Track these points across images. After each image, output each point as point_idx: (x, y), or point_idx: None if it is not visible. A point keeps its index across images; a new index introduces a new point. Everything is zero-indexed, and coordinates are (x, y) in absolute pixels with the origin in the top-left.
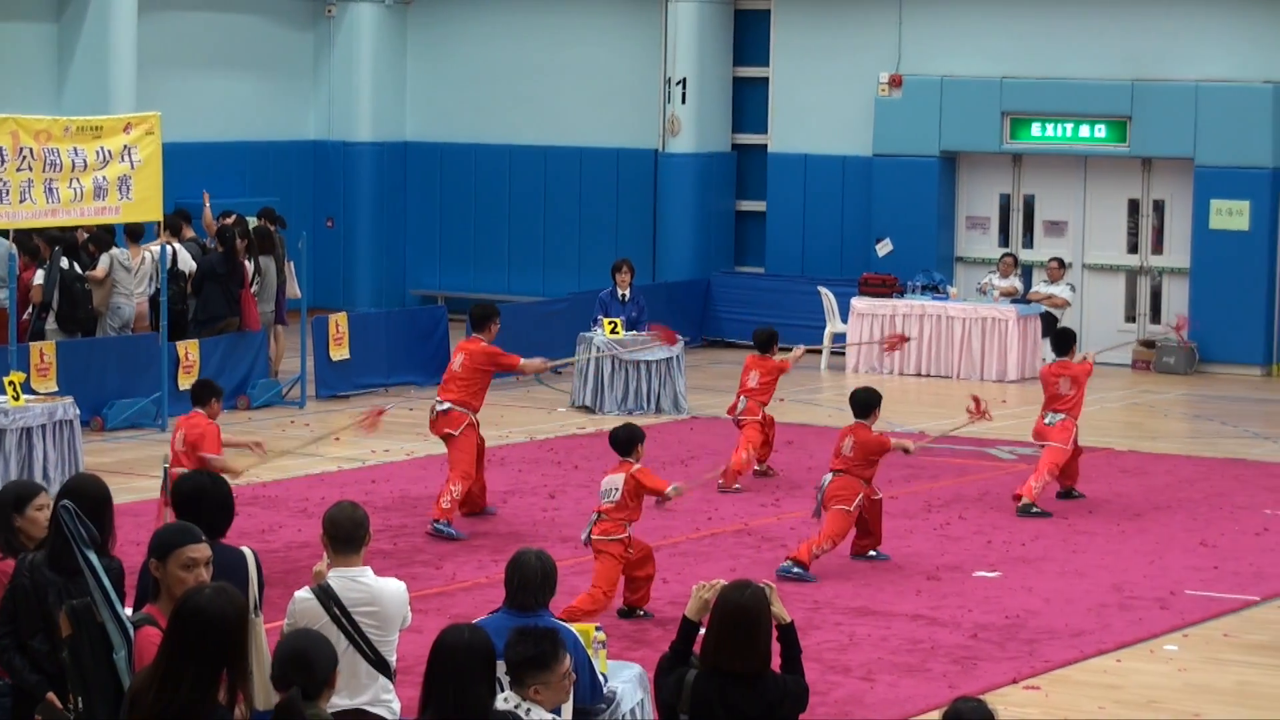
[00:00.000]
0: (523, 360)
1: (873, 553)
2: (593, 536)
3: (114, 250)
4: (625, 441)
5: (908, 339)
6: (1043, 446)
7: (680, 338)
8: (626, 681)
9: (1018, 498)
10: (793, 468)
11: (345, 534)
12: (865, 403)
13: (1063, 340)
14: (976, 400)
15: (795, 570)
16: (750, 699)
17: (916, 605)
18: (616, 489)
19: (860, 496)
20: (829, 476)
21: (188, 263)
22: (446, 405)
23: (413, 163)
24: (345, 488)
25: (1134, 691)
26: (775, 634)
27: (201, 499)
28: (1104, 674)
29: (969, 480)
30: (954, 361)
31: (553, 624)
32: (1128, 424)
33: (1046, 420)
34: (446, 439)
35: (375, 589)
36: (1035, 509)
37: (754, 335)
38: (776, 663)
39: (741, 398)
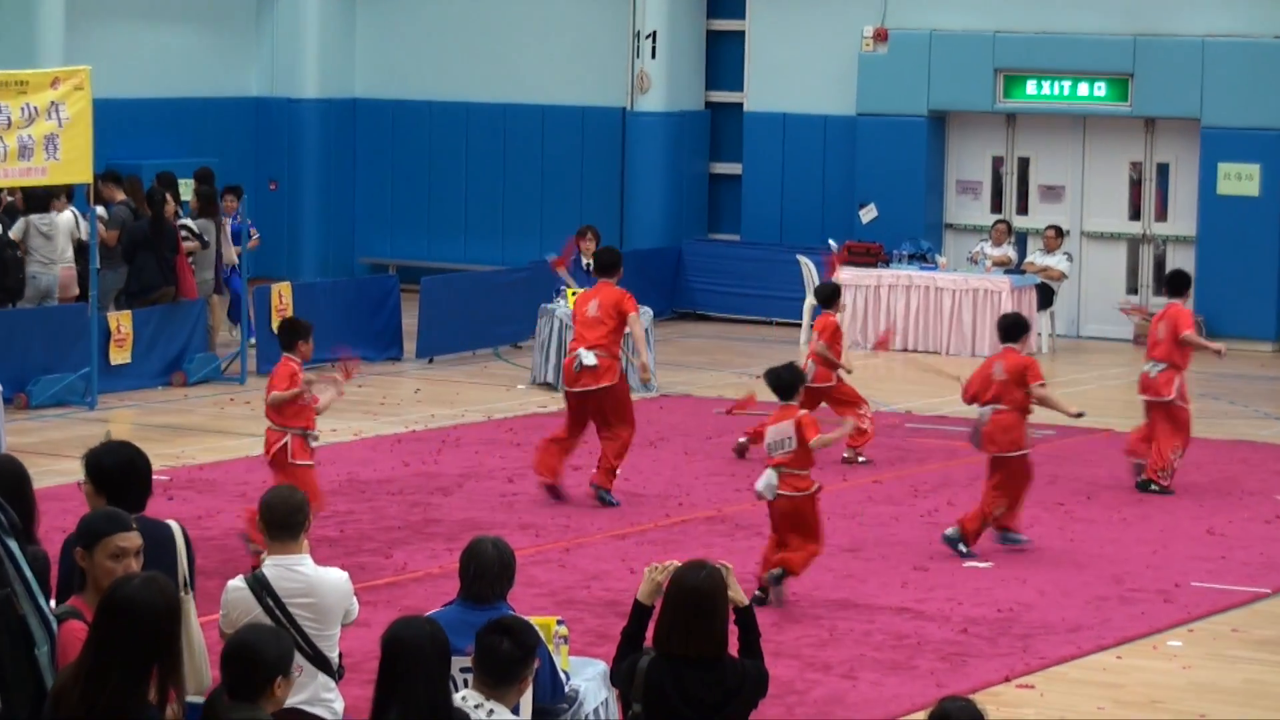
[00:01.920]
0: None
1: (1021, 536)
2: (781, 493)
3: (31, 216)
4: (788, 386)
5: (893, 333)
6: (1149, 404)
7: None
8: (590, 679)
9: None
10: None
11: (281, 519)
12: (1016, 324)
13: (1178, 282)
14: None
15: (959, 542)
16: (707, 685)
17: (902, 598)
18: (790, 438)
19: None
20: (987, 410)
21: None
22: (593, 357)
23: (362, 121)
24: None
25: (1135, 690)
26: (732, 618)
27: (130, 474)
28: (1103, 672)
29: (959, 463)
30: (943, 336)
31: (517, 616)
32: (1129, 403)
33: (1146, 368)
34: (590, 396)
35: (313, 579)
36: (1155, 486)
37: (817, 291)
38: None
39: (809, 363)
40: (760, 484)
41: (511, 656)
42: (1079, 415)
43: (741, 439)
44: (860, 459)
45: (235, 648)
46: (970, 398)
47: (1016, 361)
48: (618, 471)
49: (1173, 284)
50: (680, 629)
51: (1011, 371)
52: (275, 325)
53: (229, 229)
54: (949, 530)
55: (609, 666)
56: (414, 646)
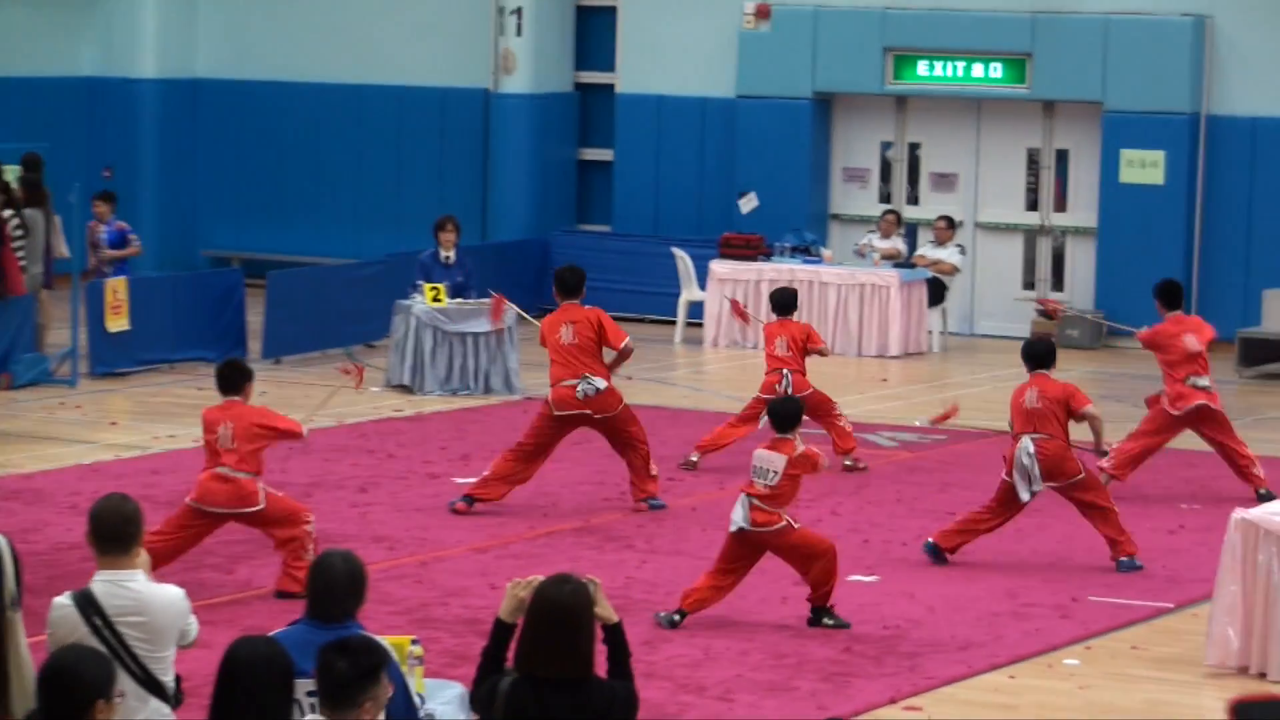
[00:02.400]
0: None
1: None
2: (747, 528)
3: None
4: (788, 418)
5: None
6: (1205, 415)
7: (509, 307)
8: (446, 703)
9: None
10: None
11: (112, 531)
12: (1047, 352)
13: (1172, 293)
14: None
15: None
16: (572, 708)
17: (782, 614)
18: (776, 472)
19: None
20: (1028, 443)
21: None
22: (602, 382)
23: (205, 103)
24: (122, 480)
25: (1029, 712)
26: (600, 636)
27: None
28: (995, 692)
29: (845, 471)
30: (828, 334)
31: (364, 635)
32: None
33: (1202, 384)
34: (590, 420)
35: (144, 596)
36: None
37: (771, 297)
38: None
39: (785, 373)
40: (734, 514)
41: (346, 677)
42: (1103, 453)
43: (693, 456)
44: (861, 465)
45: (51, 670)
46: (1018, 434)
47: (1055, 389)
48: (655, 474)
49: (1174, 296)
50: (543, 648)
51: (1049, 400)
52: (108, 323)
53: (104, 236)
54: (1122, 559)
55: (467, 689)
56: (250, 667)
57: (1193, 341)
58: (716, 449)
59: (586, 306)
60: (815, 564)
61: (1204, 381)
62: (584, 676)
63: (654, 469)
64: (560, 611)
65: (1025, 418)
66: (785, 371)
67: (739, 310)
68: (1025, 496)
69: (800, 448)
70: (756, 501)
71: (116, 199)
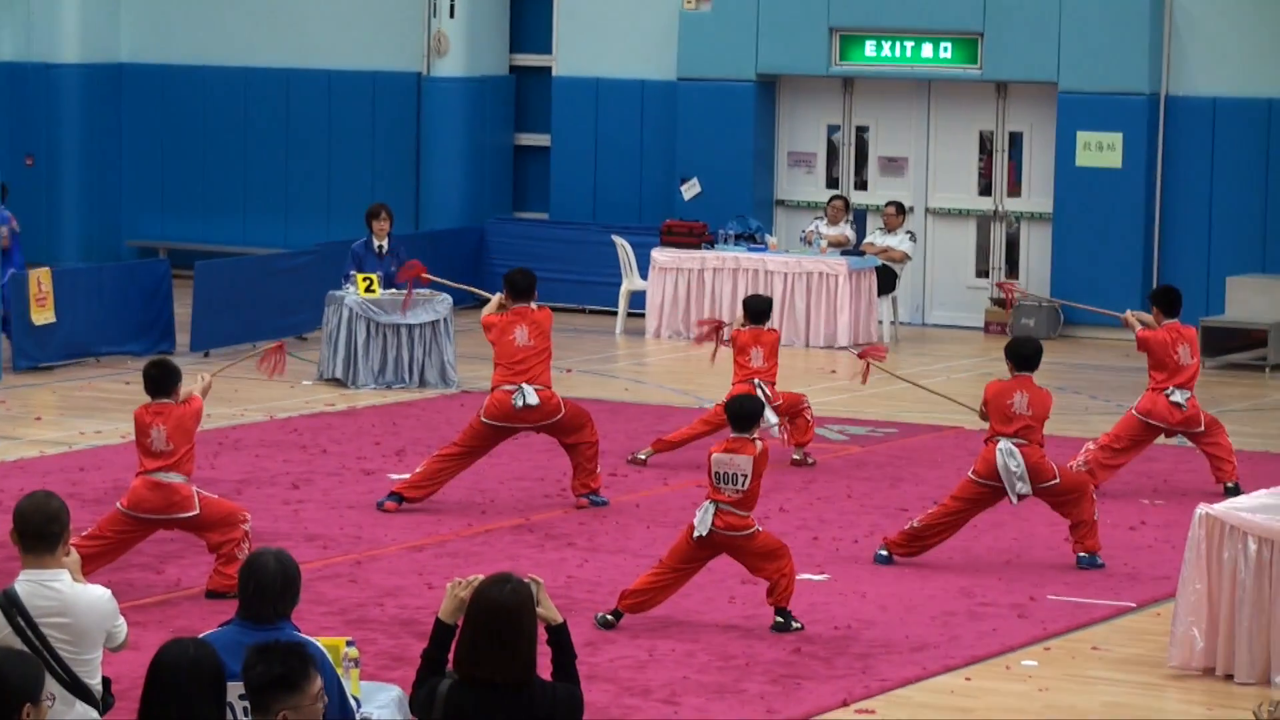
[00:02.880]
0: None
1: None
2: (716, 529)
3: None
4: (748, 417)
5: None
6: (1195, 434)
7: (426, 275)
8: (383, 706)
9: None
10: None
11: (36, 529)
12: (1035, 354)
13: (1171, 300)
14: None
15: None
16: (513, 711)
17: (729, 614)
18: (745, 475)
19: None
20: (1009, 445)
21: None
22: (535, 394)
23: (129, 88)
24: (48, 476)
25: (986, 714)
26: (544, 637)
27: None
28: (951, 695)
29: (793, 465)
30: (774, 324)
31: (296, 638)
32: (979, 398)
33: (1177, 399)
34: (544, 428)
35: (68, 597)
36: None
37: (746, 304)
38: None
39: (760, 384)
40: (698, 520)
41: (257, 683)
42: None
43: (642, 454)
44: (810, 460)
45: None
46: (993, 434)
47: (1045, 401)
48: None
49: (1173, 303)
50: (483, 650)
51: (1038, 408)
52: (33, 315)
53: None
54: (1082, 554)
55: (405, 692)
56: (178, 671)
57: (1186, 355)
58: (673, 448)
59: (538, 308)
60: (771, 564)
61: (1179, 398)
62: (525, 679)
63: (598, 469)
64: (500, 612)
65: (1008, 420)
66: (759, 383)
67: (708, 333)
68: (1015, 500)
69: (759, 445)
70: (729, 507)
71: (5, 189)
